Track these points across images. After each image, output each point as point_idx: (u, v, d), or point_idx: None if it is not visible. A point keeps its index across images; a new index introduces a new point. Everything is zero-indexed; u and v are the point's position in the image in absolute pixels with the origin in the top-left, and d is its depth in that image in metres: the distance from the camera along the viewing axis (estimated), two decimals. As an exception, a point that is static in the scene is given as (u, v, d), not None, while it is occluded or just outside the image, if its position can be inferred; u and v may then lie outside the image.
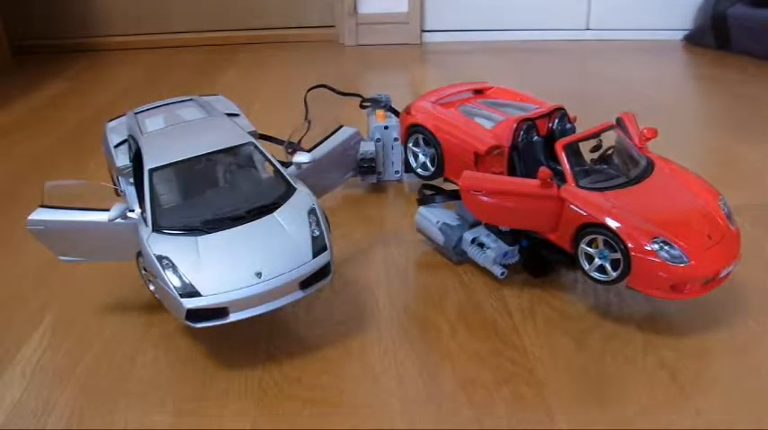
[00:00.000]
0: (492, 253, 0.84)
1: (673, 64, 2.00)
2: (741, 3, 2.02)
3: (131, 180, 0.80)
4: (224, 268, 0.68)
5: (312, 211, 0.74)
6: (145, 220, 0.72)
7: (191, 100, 0.92)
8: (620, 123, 0.83)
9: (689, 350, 0.73)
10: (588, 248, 0.74)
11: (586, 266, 0.74)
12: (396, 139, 1.11)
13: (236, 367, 0.72)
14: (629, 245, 0.69)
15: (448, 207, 0.93)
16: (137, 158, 0.78)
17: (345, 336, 0.76)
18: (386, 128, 1.12)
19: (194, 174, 0.77)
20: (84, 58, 2.20)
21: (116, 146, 0.87)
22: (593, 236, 0.73)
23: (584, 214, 0.73)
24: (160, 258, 0.68)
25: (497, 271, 0.83)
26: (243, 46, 2.31)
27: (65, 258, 0.78)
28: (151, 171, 0.73)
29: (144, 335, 0.77)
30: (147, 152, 0.76)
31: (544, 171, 0.74)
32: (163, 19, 2.35)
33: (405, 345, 0.74)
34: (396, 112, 1.18)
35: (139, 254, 0.74)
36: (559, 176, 0.76)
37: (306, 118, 1.41)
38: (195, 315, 0.67)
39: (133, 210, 0.73)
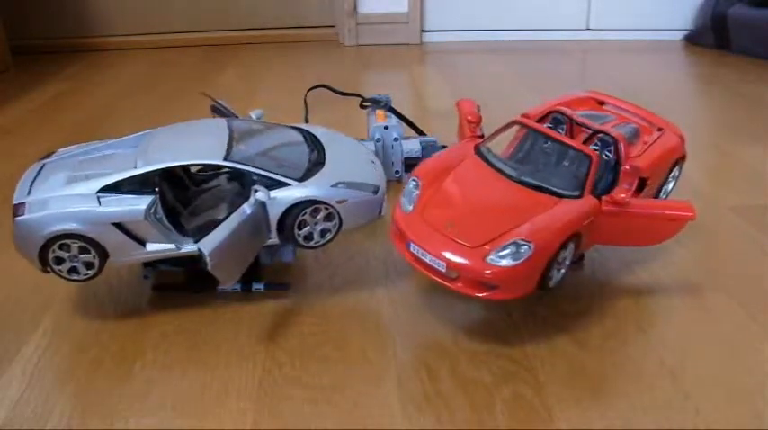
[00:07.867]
0: (492, 253, 0.84)
1: (673, 64, 2.01)
2: (741, 3, 2.02)
3: (157, 215, 0.75)
4: (364, 167, 0.82)
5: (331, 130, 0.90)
6: (281, 183, 0.75)
7: (49, 159, 0.88)
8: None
9: (689, 350, 0.73)
10: None
11: None
12: (396, 139, 1.11)
13: (235, 367, 0.72)
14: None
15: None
16: (164, 185, 0.77)
17: (345, 336, 0.76)
18: (386, 128, 1.11)
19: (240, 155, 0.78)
20: (83, 59, 2.20)
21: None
22: None
23: None
24: (337, 184, 0.77)
25: (497, 271, 0.84)
26: (243, 46, 2.31)
27: (226, 286, 0.79)
28: (225, 158, 0.75)
29: (143, 336, 0.77)
30: (198, 157, 0.76)
31: (473, 112, 0.88)
32: (162, 19, 2.35)
33: (404, 345, 0.74)
34: (396, 112, 1.17)
35: (300, 215, 0.75)
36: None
37: (306, 118, 1.41)
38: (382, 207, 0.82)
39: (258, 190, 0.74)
